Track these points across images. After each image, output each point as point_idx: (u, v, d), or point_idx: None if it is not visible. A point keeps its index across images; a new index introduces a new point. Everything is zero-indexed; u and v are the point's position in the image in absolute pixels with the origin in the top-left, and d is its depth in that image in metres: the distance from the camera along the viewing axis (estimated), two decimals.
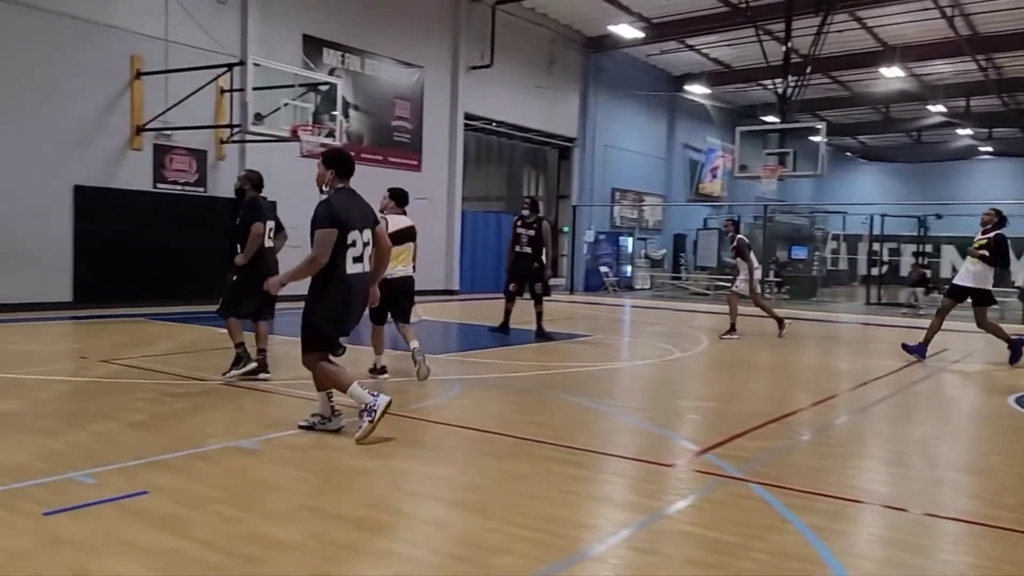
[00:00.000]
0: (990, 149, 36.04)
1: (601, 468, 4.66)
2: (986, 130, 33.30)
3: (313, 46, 16.68)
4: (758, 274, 13.00)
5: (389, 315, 7.34)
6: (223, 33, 14.88)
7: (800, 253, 27.55)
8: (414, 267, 7.47)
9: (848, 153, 40.40)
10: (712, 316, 16.69)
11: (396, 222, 7.21)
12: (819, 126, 20.05)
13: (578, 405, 6.48)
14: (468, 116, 20.82)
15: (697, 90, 28.08)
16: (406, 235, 7.29)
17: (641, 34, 22.30)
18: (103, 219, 13.18)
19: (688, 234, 29.42)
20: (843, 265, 32.23)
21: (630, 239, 26.93)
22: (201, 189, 14.94)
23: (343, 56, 17.39)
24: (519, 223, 11.14)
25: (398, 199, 7.47)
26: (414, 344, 7.22)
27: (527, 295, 11.19)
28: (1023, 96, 28.36)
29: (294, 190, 15.44)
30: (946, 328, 10.49)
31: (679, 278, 26.94)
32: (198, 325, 11.29)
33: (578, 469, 4.57)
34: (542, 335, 10.90)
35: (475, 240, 21.10)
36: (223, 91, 14.54)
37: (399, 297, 7.27)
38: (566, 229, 25.29)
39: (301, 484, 4.11)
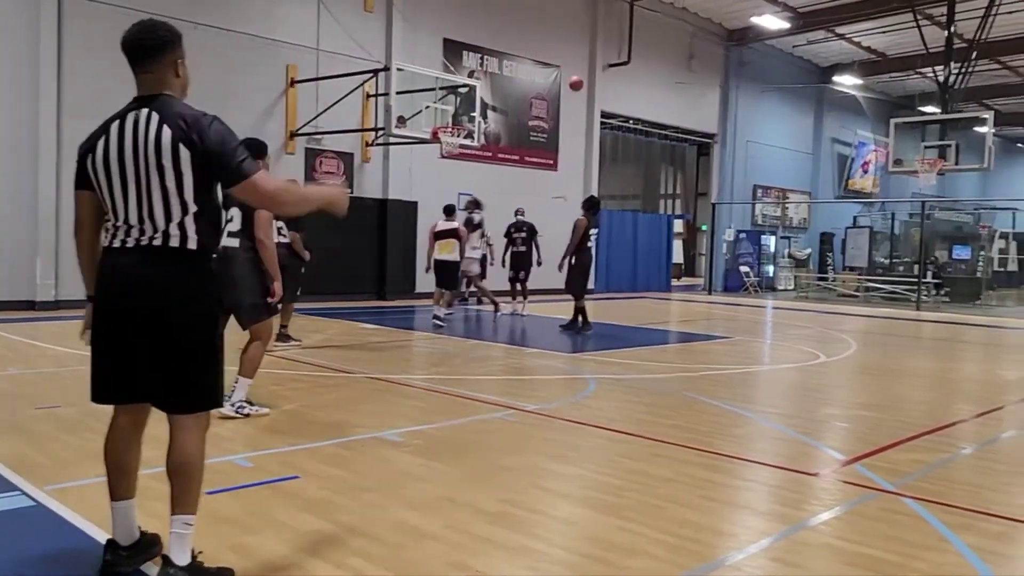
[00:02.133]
0: None
1: (741, 474, 4.52)
2: None
3: (453, 49, 17.10)
4: None
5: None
6: (369, 40, 15.52)
7: (962, 253, 25.61)
8: (461, 255, 11.93)
9: (1020, 144, 37.23)
10: (862, 319, 15.83)
11: (441, 225, 11.78)
12: (986, 116, 18.57)
13: (717, 408, 6.32)
14: (604, 114, 20.72)
15: (847, 81, 26.68)
16: (448, 234, 11.67)
17: (787, 24, 21.46)
18: None
19: (836, 232, 28.00)
20: (1012, 266, 29.72)
21: (772, 238, 25.95)
22: (348, 190, 15.63)
23: (482, 58, 17.72)
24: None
25: (445, 211, 11.92)
26: (438, 310, 11.43)
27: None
28: None
29: (433, 190, 15.94)
30: None
31: (825, 279, 25.69)
32: (344, 320, 11.84)
33: (717, 474, 4.46)
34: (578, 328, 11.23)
35: (611, 239, 20.97)
36: (369, 96, 15.17)
37: (443, 272, 11.64)
38: (704, 227, 24.70)
39: (441, 476, 4.22)
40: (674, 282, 25.01)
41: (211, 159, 2.61)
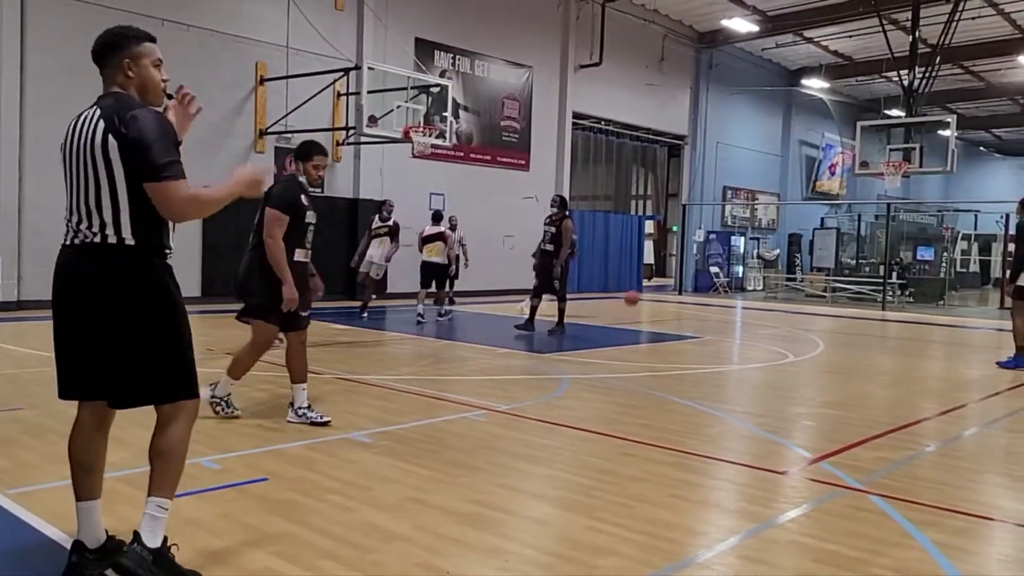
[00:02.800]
0: None
1: (710, 473, 4.55)
2: None
3: (425, 49, 17.05)
4: None
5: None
6: (340, 39, 15.42)
7: (926, 254, 26.12)
8: (447, 258, 12.38)
9: (982, 148, 38.01)
10: (829, 319, 16.05)
11: (428, 230, 12.40)
12: (949, 120, 18.93)
13: (688, 408, 6.36)
14: (576, 115, 20.79)
15: (815, 84, 27.04)
16: (435, 237, 12.23)
17: (756, 28, 21.70)
18: (227, 219, 13.87)
19: (804, 234, 28.38)
20: (974, 267, 30.33)
21: (742, 239, 26.23)
22: (318, 190, 15.48)
23: (454, 58, 17.69)
24: (547, 221, 11.21)
25: (433, 218, 12.59)
26: (421, 307, 12.21)
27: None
28: None
29: (405, 190, 15.88)
30: None
31: (793, 279, 26.02)
32: (314, 320, 11.73)
33: (686, 473, 4.49)
34: (528, 328, 11.08)
35: (582, 240, 21.00)
36: (339, 95, 15.07)
37: (431, 274, 12.23)
38: (675, 228, 24.90)
39: (410, 477, 4.20)
40: (645, 282, 25.16)
41: (131, 150, 2.60)
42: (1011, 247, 18.68)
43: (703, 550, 3.36)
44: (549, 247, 10.89)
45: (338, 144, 15.56)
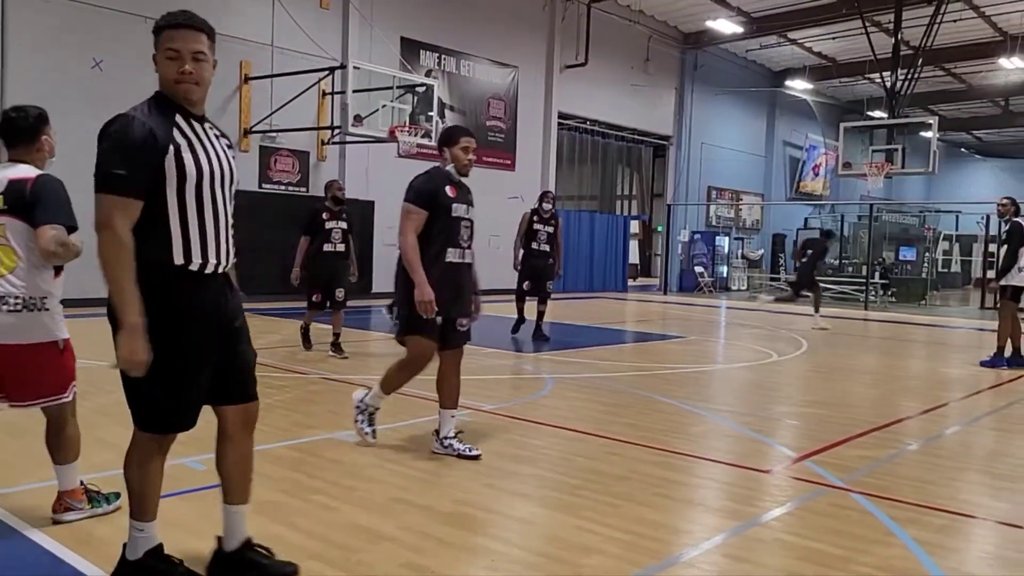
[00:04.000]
0: None
1: (695, 472, 4.57)
2: None
3: (411, 48, 17.02)
4: None
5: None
6: (325, 38, 15.36)
7: (908, 254, 26.34)
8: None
9: (963, 149, 38.35)
10: (813, 319, 16.14)
11: None
12: (931, 121, 19.07)
13: (672, 407, 6.39)
14: (562, 115, 20.82)
15: (799, 85, 27.21)
16: None
17: (740, 29, 21.79)
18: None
19: (788, 234, 28.56)
20: (955, 267, 30.62)
21: (726, 239, 26.35)
22: (303, 189, 15.47)
23: (439, 57, 17.67)
24: (536, 218, 10.31)
25: None
26: None
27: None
28: None
29: (390, 189, 15.84)
30: None
31: (777, 279, 26.16)
32: (298, 320, 11.69)
33: (672, 472, 4.50)
34: (541, 336, 10.34)
35: (568, 240, 21.05)
36: (324, 94, 15.02)
37: None
38: (660, 228, 24.99)
39: (395, 477, 4.19)
40: (630, 282, 25.23)
41: None
42: (991, 247, 18.77)
43: (688, 549, 3.38)
44: (546, 247, 10.28)
45: (323, 143, 15.50)
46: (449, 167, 4.61)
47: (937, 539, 3.56)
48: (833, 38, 23.78)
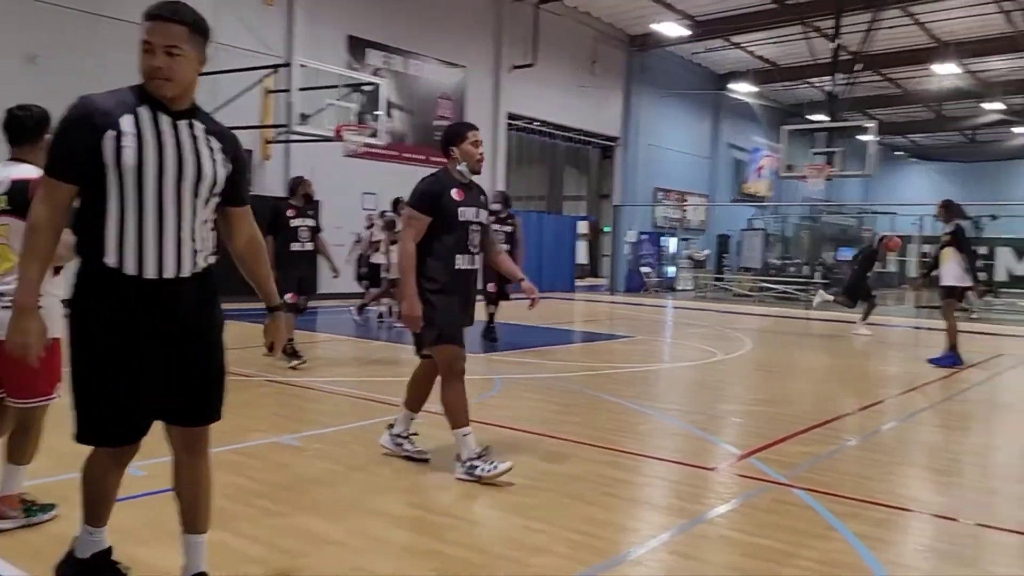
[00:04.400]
0: None
1: (642, 471, 4.62)
2: None
3: (357, 47, 16.86)
4: None
5: None
6: (270, 35, 15.12)
7: (848, 254, 27.03)
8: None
9: (899, 152, 39.50)
10: (756, 318, 16.46)
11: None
12: (869, 125, 19.66)
13: (620, 406, 6.44)
14: (510, 116, 20.86)
15: (742, 88, 27.72)
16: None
17: (686, 32, 22.11)
18: None
19: (732, 235, 29.07)
20: (891, 267, 31.53)
21: (673, 239, 26.71)
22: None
23: (386, 56, 17.54)
24: (492, 219, 10.10)
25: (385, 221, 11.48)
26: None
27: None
28: None
29: (337, 189, 15.66)
30: (1000, 333, 10.17)
31: (722, 279, 26.62)
32: (242, 322, 11.48)
33: (619, 471, 4.54)
34: (491, 336, 10.15)
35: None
36: (269, 92, 14.77)
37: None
38: (607, 229, 25.20)
39: (343, 480, 4.14)
40: (578, 282, 25.39)
41: None
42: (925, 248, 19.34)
43: (635, 547, 3.40)
44: (506, 247, 9.61)
45: (268, 142, 15.25)
46: (461, 167, 4.31)
47: (876, 532, 3.65)
48: (775, 43, 24.29)
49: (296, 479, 4.14)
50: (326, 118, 13.38)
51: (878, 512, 3.95)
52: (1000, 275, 25.91)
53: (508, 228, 10.10)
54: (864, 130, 20.66)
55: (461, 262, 4.24)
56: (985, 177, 36.76)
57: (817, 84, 24.81)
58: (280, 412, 5.76)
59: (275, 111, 14.83)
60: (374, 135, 13.87)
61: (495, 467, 4.13)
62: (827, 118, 21.74)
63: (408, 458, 4.50)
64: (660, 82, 25.30)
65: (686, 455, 5.03)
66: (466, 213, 4.25)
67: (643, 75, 24.76)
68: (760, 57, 26.28)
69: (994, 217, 26.36)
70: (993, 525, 3.88)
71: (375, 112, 14.25)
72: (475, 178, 4.51)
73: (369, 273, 12.40)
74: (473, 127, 4.44)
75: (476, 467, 4.13)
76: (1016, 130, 32.46)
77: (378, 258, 12.29)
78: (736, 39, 24.33)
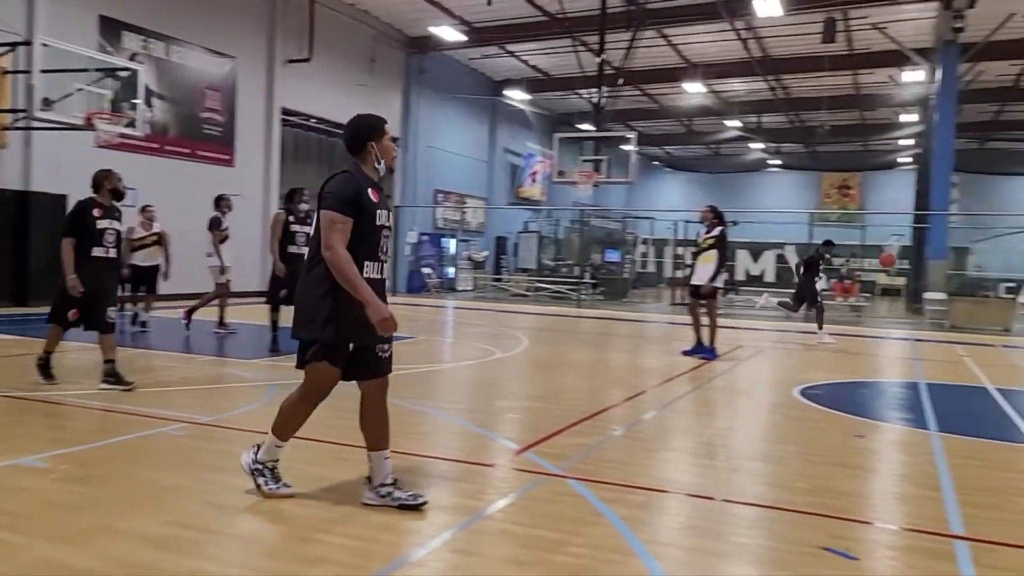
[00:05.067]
0: (779, 162, 39.57)
1: (423, 471, 4.63)
2: (775, 145, 36.54)
3: (111, 28, 15.44)
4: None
5: None
6: (7, 10, 13.44)
7: (613, 256, 28.91)
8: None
9: (656, 162, 42.91)
10: (532, 317, 17.13)
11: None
12: (630, 136, 21.10)
13: (400, 408, 6.40)
14: (285, 111, 20.10)
15: (517, 96, 28.75)
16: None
17: (463, 37, 22.51)
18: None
19: (509, 236, 30.07)
20: (651, 268, 34.17)
21: (453, 241, 27.12)
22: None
23: (146, 41, 16.23)
24: (292, 219, 9.40)
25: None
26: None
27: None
28: (807, 115, 31.36)
29: (89, 182, 14.22)
30: (740, 327, 11.33)
31: (500, 279, 27.45)
32: None
33: (401, 474, 4.50)
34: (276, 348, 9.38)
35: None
36: (5, 72, 13.13)
37: (144, 277, 11.37)
38: None
39: (96, 503, 3.76)
40: None
41: None
42: (679, 250, 21.09)
43: (416, 548, 3.40)
44: (305, 249, 9.45)
45: (4, 128, 13.54)
46: (380, 165, 4.02)
47: (639, 515, 3.92)
48: (547, 53, 25.42)
49: (40, 504, 3.70)
50: (75, 104, 12.11)
51: (640, 495, 4.24)
52: (739, 275, 28.97)
53: (309, 229, 9.59)
54: (626, 140, 22.17)
55: (371, 270, 3.88)
56: (727, 186, 40.95)
57: (585, 95, 26.28)
58: (20, 431, 5.13)
59: (12, 94, 13.21)
60: (131, 125, 12.77)
61: (280, 487, 3.99)
62: (594, 128, 23.10)
63: (403, 507, 3.86)
64: (439, 85, 25.58)
65: (466, 453, 5.11)
66: (381, 216, 3.93)
67: (422, 77, 24.90)
68: (533, 66, 27.38)
69: (735, 223, 29.34)
70: (739, 500, 4.31)
71: (133, 100, 13.12)
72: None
73: (133, 275, 11.32)
74: (385, 120, 4.18)
75: (273, 488, 3.97)
76: (752, 146, 36.46)
77: (140, 258, 11.31)
78: (511, 47, 25.16)
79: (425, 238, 25.26)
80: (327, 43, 20.57)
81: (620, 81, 22.29)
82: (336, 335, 3.80)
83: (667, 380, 8.65)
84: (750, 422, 6.86)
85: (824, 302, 13.64)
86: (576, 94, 27.75)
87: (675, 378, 8.77)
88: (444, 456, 4.96)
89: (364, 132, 4.04)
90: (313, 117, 21.30)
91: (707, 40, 23.21)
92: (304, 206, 9.48)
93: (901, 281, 30.06)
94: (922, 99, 23.88)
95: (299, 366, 4.00)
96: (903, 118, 28.34)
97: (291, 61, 19.76)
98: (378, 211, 3.89)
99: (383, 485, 3.91)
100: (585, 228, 27.69)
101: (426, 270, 24.73)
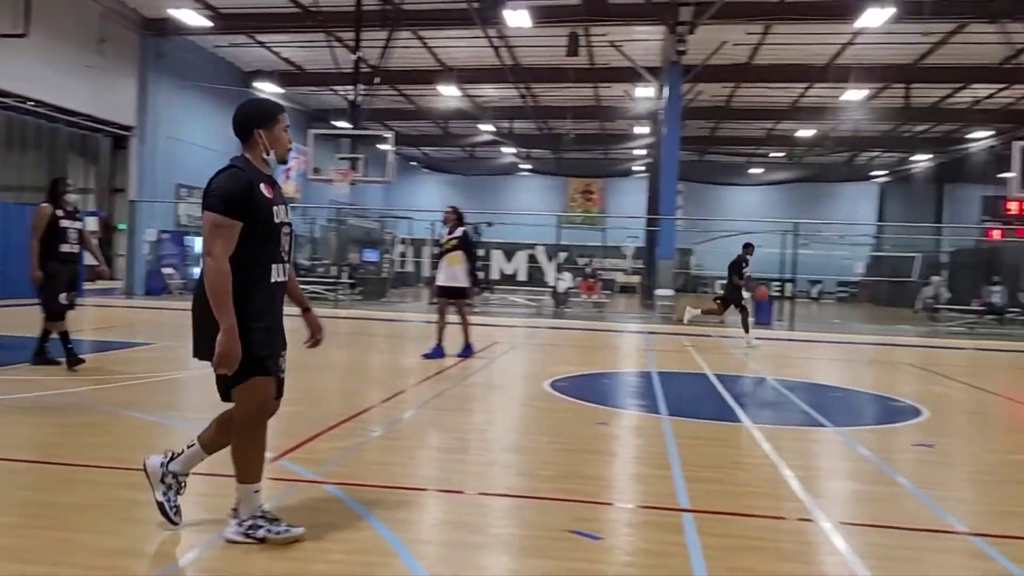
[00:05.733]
0: (529, 167, 41.53)
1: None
2: (525, 150, 38.34)
3: None
4: None
5: None
6: None
7: (371, 256, 28.75)
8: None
9: (413, 163, 43.25)
10: (287, 319, 16.56)
11: None
12: (387, 135, 21.10)
13: (142, 421, 5.91)
14: None
15: (269, 88, 27.56)
16: None
17: (207, 22, 21.17)
18: None
19: None
20: (409, 267, 34.44)
21: (198, 239, 25.42)
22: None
23: None
24: (62, 214, 8.32)
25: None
26: None
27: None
28: (554, 123, 33.20)
29: None
30: (495, 324, 11.75)
31: None
32: None
33: (143, 493, 4.15)
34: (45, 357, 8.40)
35: (7, 237, 18.03)
36: None
37: None
38: (122, 226, 22.99)
39: None
40: (88, 285, 22.69)
41: None
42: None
43: (157, 572, 3.16)
44: (77, 247, 8.23)
45: None
46: (267, 157, 3.64)
47: (399, 515, 3.94)
48: (300, 46, 24.66)
49: None
50: None
51: (400, 495, 4.27)
52: (495, 274, 30.01)
53: (80, 224, 8.47)
54: (384, 140, 22.13)
55: (278, 273, 3.54)
56: (482, 188, 42.32)
57: (341, 92, 25.86)
58: None
59: None
60: None
61: (287, 530, 3.48)
62: (350, 125, 22.78)
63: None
64: (182, 72, 23.86)
65: (216, 465, 4.81)
66: (279, 213, 3.55)
67: (161, 62, 23.06)
68: (286, 59, 26.43)
69: (489, 224, 30.48)
70: (492, 492, 4.47)
71: None
72: None
73: None
74: (281, 108, 3.77)
75: (260, 527, 3.47)
76: (505, 150, 37.96)
77: None
78: (261, 37, 24.09)
79: (166, 236, 23.47)
80: (46, 18, 18.40)
81: (376, 80, 22.17)
82: (260, 345, 3.43)
83: (425, 379, 8.75)
84: (504, 415, 7.14)
85: (734, 307, 13.82)
86: (332, 90, 27.24)
87: (433, 376, 8.90)
88: (193, 471, 4.63)
89: (249, 119, 3.71)
90: (31, 100, 18.98)
91: (461, 45, 23.77)
92: (73, 198, 8.46)
93: (637, 279, 32.83)
94: (653, 113, 26.21)
95: (225, 397, 3.60)
96: (637, 130, 30.91)
97: (3, 36, 17.44)
98: (274, 207, 3.55)
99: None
100: (342, 227, 27.26)
101: (168, 270, 22.97)
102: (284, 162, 3.76)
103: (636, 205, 35.42)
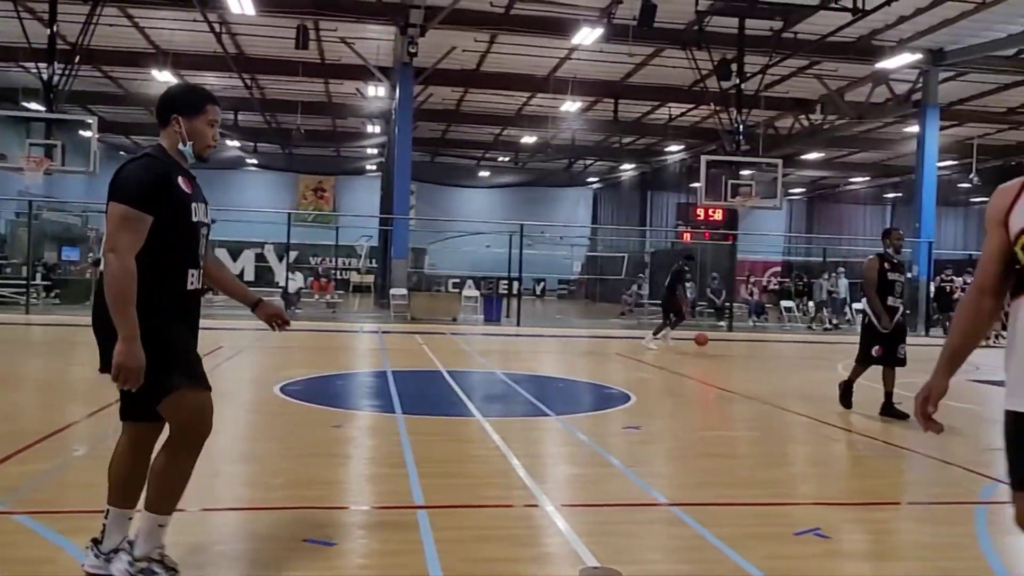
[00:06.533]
0: (256, 162, 39.65)
1: None
2: (252, 144, 36.55)
3: None
4: None
5: None
6: None
7: (72, 254, 25.87)
8: None
9: (123, 152, 39.46)
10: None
11: None
12: (91, 120, 19.07)
13: None
14: None
15: None
16: None
17: None
18: None
19: None
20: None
21: None
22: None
23: None
24: None
25: None
26: None
27: None
28: (283, 116, 31.96)
29: None
30: (218, 328, 11.07)
31: None
32: None
33: None
34: None
35: None
36: None
37: None
38: None
39: None
40: None
41: None
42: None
43: None
44: None
45: None
46: (184, 148, 3.15)
47: (78, 538, 3.55)
48: None
49: None
50: None
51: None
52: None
53: None
54: (86, 125, 19.88)
55: (195, 279, 3.11)
56: (206, 183, 38.73)
57: (33, 70, 22.87)
58: None
59: None
60: None
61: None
62: (44, 108, 20.20)
63: None
64: None
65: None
66: (198, 211, 3.13)
67: None
68: None
69: (214, 221, 28.51)
70: (215, 507, 4.20)
71: None
72: None
73: None
74: (213, 99, 3.24)
75: (156, 574, 2.97)
76: (229, 143, 35.89)
77: None
78: None
79: None
80: None
81: (77, 59, 19.84)
82: (173, 348, 2.97)
83: None
84: (230, 423, 6.73)
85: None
86: (21, 67, 23.98)
87: None
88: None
89: (169, 103, 3.22)
90: None
91: (178, 28, 22.07)
92: None
93: (371, 279, 32.73)
94: (385, 113, 26.27)
95: (125, 415, 3.21)
96: (370, 129, 30.77)
97: None
98: (193, 204, 3.12)
99: (142, 558, 3.02)
100: (36, 222, 24.12)
101: None
102: (203, 159, 3.30)
103: (370, 204, 35.29)
